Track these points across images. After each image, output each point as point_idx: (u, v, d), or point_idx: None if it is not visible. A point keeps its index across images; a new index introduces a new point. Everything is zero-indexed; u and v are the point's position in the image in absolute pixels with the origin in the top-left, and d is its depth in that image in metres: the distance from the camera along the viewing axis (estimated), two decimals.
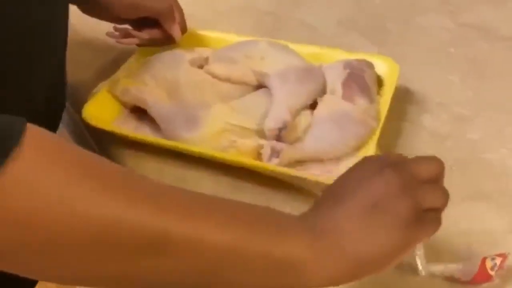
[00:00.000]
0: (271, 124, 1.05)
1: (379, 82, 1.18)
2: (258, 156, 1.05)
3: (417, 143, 1.10)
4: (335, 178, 0.70)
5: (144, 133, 1.10)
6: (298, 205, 0.76)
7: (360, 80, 1.13)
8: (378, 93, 1.15)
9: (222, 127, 1.06)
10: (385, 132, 1.07)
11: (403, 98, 1.17)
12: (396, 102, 1.12)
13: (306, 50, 1.21)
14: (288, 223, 0.63)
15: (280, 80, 1.11)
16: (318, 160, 1.06)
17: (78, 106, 1.07)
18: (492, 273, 0.80)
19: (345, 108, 1.08)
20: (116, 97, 1.14)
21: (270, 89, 1.11)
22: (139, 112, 1.13)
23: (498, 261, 0.80)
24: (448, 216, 0.68)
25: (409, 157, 0.70)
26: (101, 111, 1.11)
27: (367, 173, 0.66)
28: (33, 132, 0.53)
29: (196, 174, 1.05)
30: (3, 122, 0.52)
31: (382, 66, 1.18)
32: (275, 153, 1.03)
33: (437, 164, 0.66)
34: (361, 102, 1.09)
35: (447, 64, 1.24)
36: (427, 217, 0.63)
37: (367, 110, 1.08)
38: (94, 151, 0.68)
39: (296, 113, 1.08)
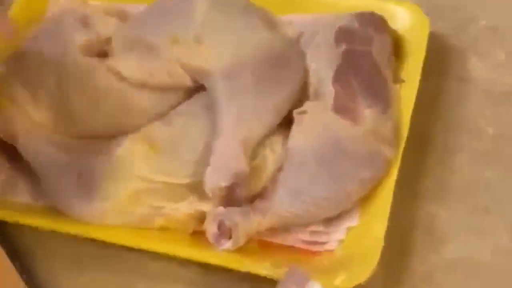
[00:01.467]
0: (214, 181, 0.61)
1: (398, 49, 0.70)
2: (200, 225, 0.63)
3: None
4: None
5: (16, 191, 0.70)
6: None
7: (365, 65, 0.67)
8: (397, 72, 0.68)
9: (138, 187, 0.63)
10: (410, 156, 0.65)
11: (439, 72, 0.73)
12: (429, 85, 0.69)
13: None
14: None
15: (228, 83, 0.66)
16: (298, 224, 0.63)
17: None
18: None
19: (338, 131, 0.63)
20: None
21: (212, 99, 0.65)
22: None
23: None
24: None
25: None
26: None
27: None
28: None
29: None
30: None
31: (402, 19, 0.73)
32: (224, 232, 0.61)
33: None
34: (367, 113, 0.64)
35: None
36: None
37: (378, 128, 0.63)
38: None
39: (257, 147, 0.63)
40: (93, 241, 0.65)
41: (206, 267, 0.65)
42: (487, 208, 0.67)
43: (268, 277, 0.60)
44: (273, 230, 0.65)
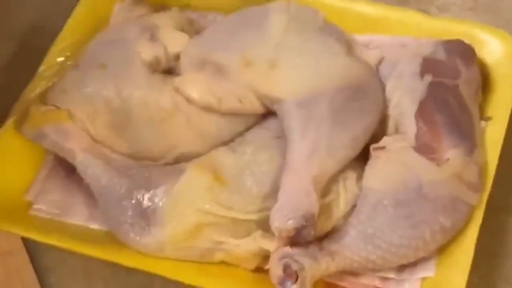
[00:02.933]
0: (281, 220, 0.57)
1: (485, 81, 0.64)
2: (263, 262, 0.59)
3: None
4: None
5: (72, 213, 0.66)
6: None
7: (451, 100, 0.61)
8: (483, 107, 0.62)
9: (199, 220, 0.60)
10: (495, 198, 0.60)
11: None
12: None
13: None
14: None
15: (302, 113, 0.61)
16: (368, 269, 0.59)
17: None
18: None
19: (419, 173, 0.58)
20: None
21: (284, 129, 0.61)
22: None
23: None
24: None
25: None
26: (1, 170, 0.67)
27: None
28: None
29: None
30: None
31: (491, 47, 0.67)
32: (290, 276, 0.56)
33: None
34: (452, 154, 0.59)
35: None
36: None
37: (463, 171, 0.58)
38: None
39: (329, 184, 0.59)
40: (106, 263, 0.62)
41: None
42: None
43: None
44: (341, 273, 0.61)
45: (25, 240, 0.67)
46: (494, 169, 0.61)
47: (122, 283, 0.65)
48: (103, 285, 0.66)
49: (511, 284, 0.62)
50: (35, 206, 0.67)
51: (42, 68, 0.71)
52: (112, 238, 0.63)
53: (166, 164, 0.66)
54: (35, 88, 0.70)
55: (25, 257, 0.66)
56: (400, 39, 0.70)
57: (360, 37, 0.71)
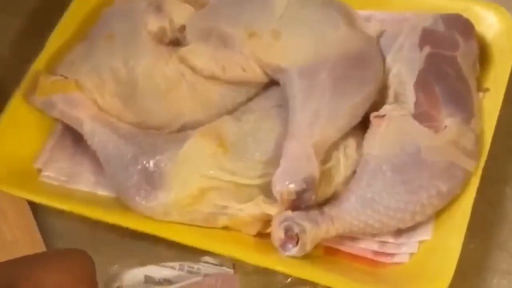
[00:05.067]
0: (283, 184, 0.58)
1: (483, 55, 0.66)
2: (264, 227, 0.60)
3: None
4: None
5: (79, 180, 0.68)
6: None
7: (449, 71, 0.63)
8: (481, 79, 0.64)
9: (203, 185, 0.61)
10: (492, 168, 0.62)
11: None
12: None
13: None
14: None
15: (304, 82, 0.63)
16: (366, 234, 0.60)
17: None
18: None
19: (418, 139, 0.60)
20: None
21: (286, 98, 0.62)
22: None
23: None
24: None
25: None
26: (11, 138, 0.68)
27: None
28: None
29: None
30: None
31: (489, 23, 0.68)
32: (291, 239, 0.58)
33: None
34: (449, 122, 0.60)
35: None
36: None
37: (459, 139, 0.60)
38: None
39: (329, 151, 0.60)
40: (112, 227, 0.64)
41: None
42: None
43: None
44: (340, 238, 0.62)
45: (33, 206, 0.68)
46: (490, 138, 0.62)
47: (127, 248, 0.67)
48: (110, 249, 0.67)
49: (506, 250, 0.63)
50: (44, 173, 0.69)
51: (50, 40, 0.73)
52: (118, 204, 0.65)
53: (171, 133, 0.67)
54: (44, 60, 0.72)
55: (32, 221, 0.68)
56: (401, 14, 0.71)
57: (362, 13, 0.72)
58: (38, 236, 0.68)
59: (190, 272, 0.59)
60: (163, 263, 0.58)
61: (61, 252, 0.50)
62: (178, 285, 0.56)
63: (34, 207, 0.68)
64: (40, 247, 0.67)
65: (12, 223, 0.68)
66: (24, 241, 0.68)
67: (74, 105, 0.67)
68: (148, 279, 0.57)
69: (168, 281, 0.58)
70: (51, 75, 0.69)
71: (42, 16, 0.82)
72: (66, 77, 0.69)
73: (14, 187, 0.66)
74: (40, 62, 0.72)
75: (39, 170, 0.69)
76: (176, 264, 0.59)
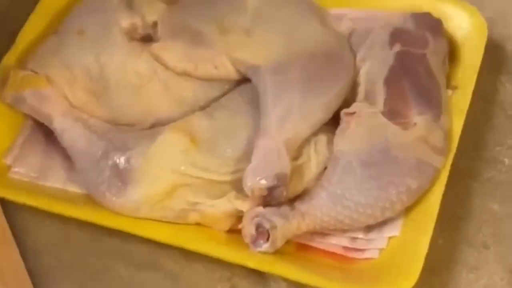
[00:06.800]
0: (254, 180, 0.59)
1: (453, 53, 0.67)
2: (236, 223, 0.61)
3: None
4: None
5: (50, 176, 0.67)
6: None
7: (419, 68, 0.64)
8: (450, 77, 0.64)
9: (174, 181, 0.61)
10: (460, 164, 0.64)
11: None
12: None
13: None
14: None
15: (276, 79, 0.63)
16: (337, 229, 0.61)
17: None
18: None
19: (387, 136, 0.60)
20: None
21: (258, 94, 0.63)
22: None
23: None
24: None
25: None
26: None
27: None
28: None
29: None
30: None
31: (459, 22, 0.70)
32: (262, 235, 0.58)
33: None
34: (419, 119, 0.61)
35: None
36: None
37: (429, 136, 0.60)
38: None
39: (301, 147, 0.61)
40: (82, 224, 0.64)
41: (189, 258, 0.63)
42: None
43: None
44: (311, 234, 0.63)
45: (2, 202, 0.68)
46: (459, 135, 0.63)
47: (97, 246, 0.67)
48: (79, 247, 0.67)
49: (474, 245, 0.64)
50: (14, 169, 0.68)
51: (21, 34, 0.72)
52: (89, 201, 0.65)
53: (144, 129, 0.67)
54: (14, 54, 0.71)
55: (1, 217, 0.67)
56: (372, 12, 0.72)
57: (334, 11, 0.73)
58: (8, 232, 0.67)
59: None
60: None
61: None
62: None
63: (3, 203, 0.67)
64: (11, 244, 0.67)
65: None
66: None
67: (45, 101, 0.67)
68: None
69: None
70: (22, 70, 0.69)
71: (12, 10, 0.81)
72: (36, 72, 0.68)
73: None
74: (10, 57, 0.71)
75: (9, 166, 0.68)
76: None
